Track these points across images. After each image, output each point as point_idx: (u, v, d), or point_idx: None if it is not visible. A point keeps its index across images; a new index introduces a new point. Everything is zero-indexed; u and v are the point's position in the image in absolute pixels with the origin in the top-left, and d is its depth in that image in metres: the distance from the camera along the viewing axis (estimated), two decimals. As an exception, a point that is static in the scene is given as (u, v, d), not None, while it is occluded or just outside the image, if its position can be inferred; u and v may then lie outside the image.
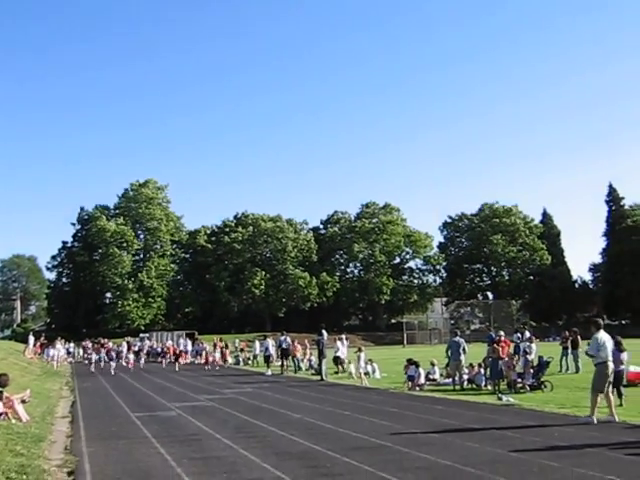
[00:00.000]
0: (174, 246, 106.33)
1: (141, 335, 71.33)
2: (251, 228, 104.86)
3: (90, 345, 56.16)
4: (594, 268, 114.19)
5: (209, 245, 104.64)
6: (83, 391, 27.26)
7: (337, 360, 34.59)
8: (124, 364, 43.33)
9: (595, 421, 15.46)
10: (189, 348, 55.14)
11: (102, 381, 32.82)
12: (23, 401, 17.98)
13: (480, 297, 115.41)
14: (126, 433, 15.59)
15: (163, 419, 18.15)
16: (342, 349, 35.20)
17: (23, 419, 16.87)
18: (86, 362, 51.89)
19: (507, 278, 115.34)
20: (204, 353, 49.95)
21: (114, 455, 12.60)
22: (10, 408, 16.98)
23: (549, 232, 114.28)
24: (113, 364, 40.01)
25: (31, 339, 51.78)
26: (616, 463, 10.95)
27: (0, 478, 10.21)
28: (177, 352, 45.40)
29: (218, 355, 45.11)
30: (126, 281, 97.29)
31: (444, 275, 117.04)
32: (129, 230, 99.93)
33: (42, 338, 56.08)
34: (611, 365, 16.13)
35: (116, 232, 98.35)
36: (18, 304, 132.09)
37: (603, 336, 16.04)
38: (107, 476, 10.73)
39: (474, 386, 25.15)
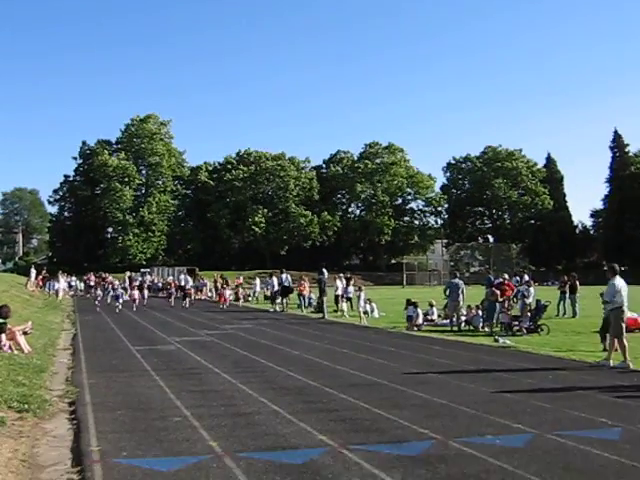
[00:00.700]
0: (175, 182, 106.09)
1: (142, 270, 71.57)
2: (253, 166, 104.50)
3: (93, 279, 56.37)
4: (595, 214, 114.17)
5: (211, 182, 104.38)
6: (84, 324, 27.50)
7: (337, 299, 34.82)
8: (128, 299, 41.29)
9: (611, 364, 15.62)
10: (190, 284, 55.42)
11: (103, 315, 33.10)
12: (25, 333, 18.18)
13: (480, 240, 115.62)
14: (126, 366, 15.79)
15: (163, 353, 18.37)
16: (342, 288, 35.38)
17: (25, 350, 17.07)
18: (87, 296, 52.27)
19: (508, 222, 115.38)
20: (205, 289, 50.49)
21: (114, 387, 12.79)
22: (12, 339, 17.17)
23: (552, 177, 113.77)
24: (120, 302, 37.04)
25: (33, 272, 51.92)
26: (608, 406, 11.11)
27: (2, 407, 10.39)
28: (186, 289, 43.19)
29: (228, 292, 43.86)
30: (127, 216, 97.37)
31: (445, 217, 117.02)
32: (131, 165, 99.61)
33: (44, 271, 56.24)
34: (627, 311, 16.24)
35: (118, 167, 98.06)
36: (20, 237, 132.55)
37: (619, 282, 16.07)
38: (107, 407, 10.91)
39: (471, 328, 25.38)
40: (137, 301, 38.89)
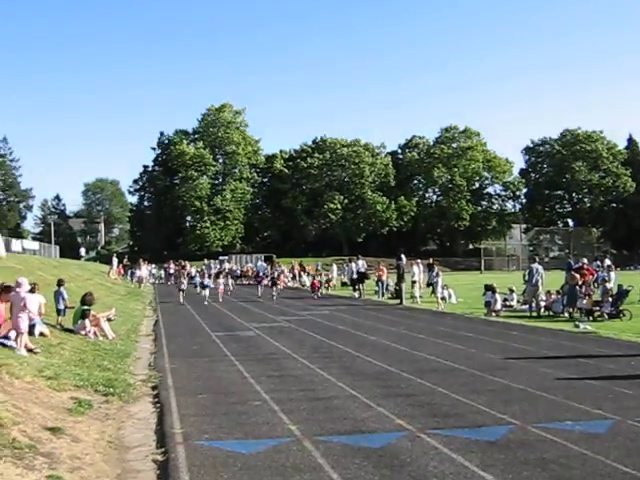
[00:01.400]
0: (252, 170, 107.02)
1: (220, 257, 72.56)
2: (328, 153, 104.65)
3: (172, 267, 57.41)
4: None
5: (286, 170, 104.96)
6: (165, 311, 28.12)
7: (414, 285, 34.68)
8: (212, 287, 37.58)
9: None
10: (268, 271, 56.06)
11: (185, 303, 33.75)
12: (109, 319, 18.74)
13: (560, 224, 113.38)
14: (207, 351, 16.12)
15: (242, 339, 18.67)
16: (418, 274, 35.23)
17: (109, 336, 17.61)
18: (168, 284, 53.24)
19: (588, 205, 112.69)
20: (282, 276, 50.78)
21: (195, 372, 13.08)
22: (97, 326, 17.72)
23: (634, 158, 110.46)
24: (206, 292, 33.72)
25: (115, 261, 53.19)
26: (694, 392, 10.86)
27: (89, 390, 10.76)
28: (275, 276, 41.74)
29: (307, 280, 43.09)
30: (204, 204, 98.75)
31: (524, 201, 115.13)
32: (207, 154, 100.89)
33: (125, 260, 57.56)
34: None
35: (195, 156, 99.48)
36: (102, 227, 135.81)
37: None
38: (189, 391, 11.17)
39: (551, 313, 24.99)
40: (222, 292, 35.53)
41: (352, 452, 7.58)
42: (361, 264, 37.76)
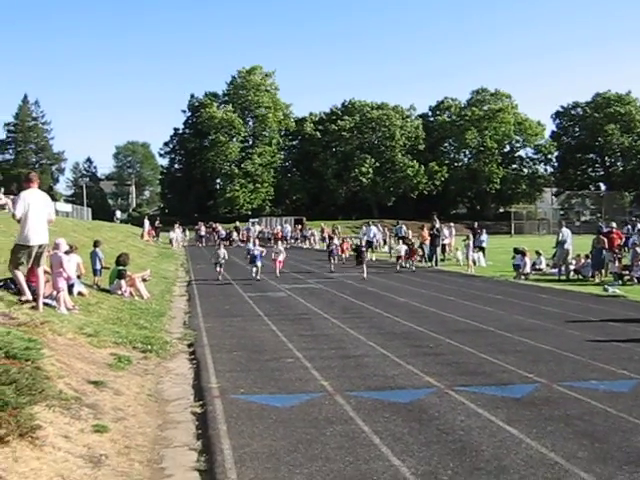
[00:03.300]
0: (281, 133, 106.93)
1: (251, 220, 72.89)
2: (358, 116, 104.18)
3: (203, 229, 57.95)
4: None
5: (317, 133, 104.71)
6: (198, 272, 28.50)
7: (444, 248, 34.77)
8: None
9: None
10: (290, 234, 56.60)
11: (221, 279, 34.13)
12: (144, 280, 19.16)
13: (592, 188, 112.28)
14: (239, 311, 16.49)
15: (274, 299, 19.02)
16: (449, 237, 35.30)
17: (144, 296, 18.03)
18: (199, 245, 53.76)
19: (621, 169, 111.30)
20: (312, 239, 51.01)
21: (229, 330, 13.45)
22: (132, 286, 18.15)
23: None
24: (257, 266, 24.75)
25: (146, 223, 53.71)
26: None
27: (128, 347, 11.15)
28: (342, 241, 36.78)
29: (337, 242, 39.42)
30: (234, 167, 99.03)
31: (555, 165, 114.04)
32: (237, 117, 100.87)
33: (157, 222, 58.05)
34: None
35: (224, 119, 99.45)
36: (133, 189, 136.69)
37: None
38: (223, 348, 11.53)
39: (580, 277, 25.03)
40: (281, 264, 27.10)
41: (382, 406, 7.89)
42: (402, 229, 37.96)
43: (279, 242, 31.52)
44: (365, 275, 25.06)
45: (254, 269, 24.82)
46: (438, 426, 7.16)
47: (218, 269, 25.03)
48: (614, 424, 7.21)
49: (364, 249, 28.62)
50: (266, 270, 25.81)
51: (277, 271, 26.20)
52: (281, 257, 26.92)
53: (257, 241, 28.98)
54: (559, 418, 7.42)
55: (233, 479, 5.68)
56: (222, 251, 25.70)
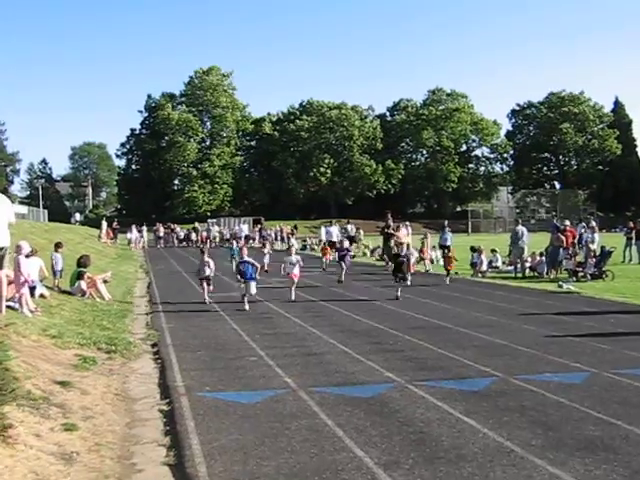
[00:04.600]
0: (239, 134, 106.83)
1: (209, 221, 72.76)
2: (316, 116, 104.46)
3: (162, 230, 57.88)
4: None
5: (275, 133, 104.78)
6: (157, 273, 28.51)
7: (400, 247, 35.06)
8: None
9: None
10: (244, 233, 56.72)
11: (174, 263, 34.15)
12: (105, 281, 19.18)
13: (547, 186, 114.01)
14: (202, 312, 16.58)
15: (236, 299, 19.07)
16: (406, 236, 35.61)
17: (106, 297, 18.08)
18: (158, 247, 53.54)
19: (575, 168, 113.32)
20: (270, 239, 51.03)
21: (192, 330, 13.59)
22: (93, 287, 18.18)
23: (620, 121, 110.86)
24: (252, 288, 17.33)
25: (104, 224, 53.44)
26: (667, 346, 11.43)
27: (92, 348, 11.24)
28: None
29: (296, 243, 38.62)
30: (192, 168, 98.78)
31: (511, 164, 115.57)
32: (194, 118, 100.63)
33: (115, 224, 57.72)
34: None
35: (181, 120, 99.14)
36: (90, 190, 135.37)
37: None
38: (188, 348, 11.68)
39: (536, 274, 25.52)
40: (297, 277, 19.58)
41: (345, 401, 8.12)
42: (350, 228, 38.03)
43: (292, 250, 21.75)
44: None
45: (248, 293, 17.17)
46: (399, 419, 7.41)
47: (205, 286, 18.22)
48: (567, 414, 7.53)
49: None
50: (225, 270, 25.78)
51: (293, 291, 18.85)
52: (297, 269, 19.43)
53: (245, 249, 19.81)
54: (515, 409, 7.72)
55: (203, 473, 5.86)
56: (207, 260, 18.46)
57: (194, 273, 21.21)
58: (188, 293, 20.96)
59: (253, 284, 17.16)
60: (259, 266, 17.89)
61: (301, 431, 7.00)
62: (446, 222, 38.76)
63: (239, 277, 17.38)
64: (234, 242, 34.46)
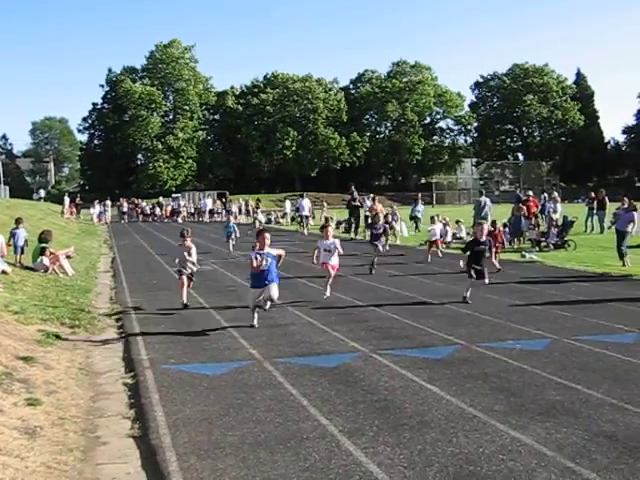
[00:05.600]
0: (203, 107, 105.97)
1: (173, 195, 72.37)
2: (280, 88, 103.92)
3: (125, 205, 57.49)
4: (628, 130, 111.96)
5: (238, 106, 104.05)
6: (121, 248, 28.30)
7: (367, 219, 35.22)
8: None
9: None
10: (208, 207, 56.87)
11: (138, 238, 33.90)
12: (68, 257, 19.01)
13: (510, 158, 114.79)
14: (166, 285, 16.51)
15: (200, 273, 18.97)
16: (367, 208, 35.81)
17: (69, 273, 17.92)
18: (121, 222, 53.16)
19: (538, 139, 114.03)
20: (235, 213, 50.81)
21: (156, 304, 13.51)
22: (56, 263, 18.00)
23: (582, 93, 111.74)
24: (274, 290, 10.87)
25: (66, 200, 52.89)
26: (627, 314, 11.65)
27: (56, 323, 11.16)
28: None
29: (262, 216, 40.41)
30: (155, 142, 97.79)
31: (475, 135, 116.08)
32: (157, 92, 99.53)
33: (77, 199, 57.13)
34: None
35: (143, 94, 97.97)
36: (51, 166, 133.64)
37: None
38: (152, 322, 11.65)
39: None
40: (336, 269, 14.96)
41: (309, 371, 8.17)
42: (307, 204, 38.10)
43: (328, 231, 15.46)
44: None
45: (268, 299, 10.94)
46: (363, 387, 7.47)
47: (185, 281, 13.43)
48: (528, 380, 7.65)
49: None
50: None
51: (328, 287, 14.08)
52: (335, 259, 14.47)
53: (268, 237, 11.44)
54: (477, 376, 7.82)
55: (167, 443, 5.87)
56: (189, 246, 13.64)
57: (162, 254, 20.73)
58: (153, 267, 20.89)
59: (275, 286, 10.92)
60: (283, 253, 11.95)
61: (266, 401, 7.03)
62: (419, 195, 39.17)
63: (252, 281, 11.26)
64: (230, 217, 29.14)
